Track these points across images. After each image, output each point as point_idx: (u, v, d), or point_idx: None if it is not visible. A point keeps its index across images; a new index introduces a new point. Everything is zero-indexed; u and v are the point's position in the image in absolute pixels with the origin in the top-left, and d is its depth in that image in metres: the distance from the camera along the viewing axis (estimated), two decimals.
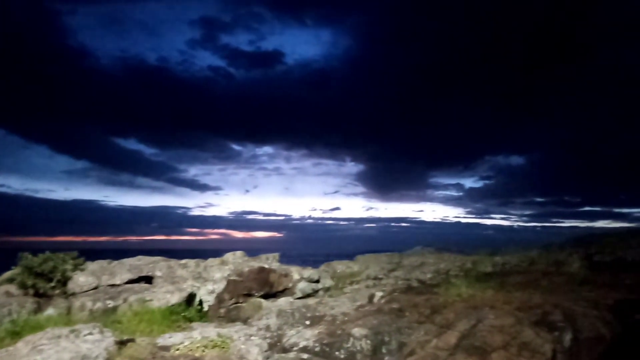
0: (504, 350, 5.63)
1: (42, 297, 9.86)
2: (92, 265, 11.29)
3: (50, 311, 9.11)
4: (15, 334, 6.61)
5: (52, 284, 10.08)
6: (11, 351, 5.15)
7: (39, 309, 9.20)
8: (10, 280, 10.28)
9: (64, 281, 10.33)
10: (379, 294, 9.45)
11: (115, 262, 11.82)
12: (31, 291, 9.91)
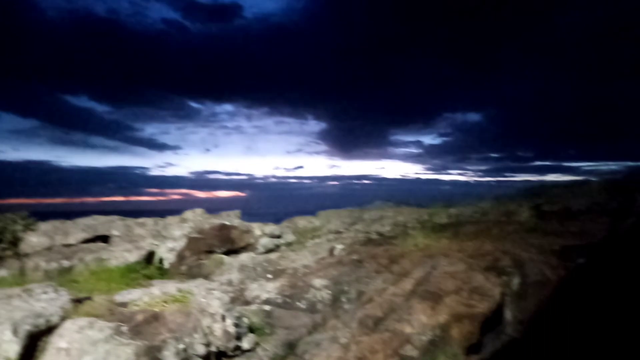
0: (456, 295, 5.92)
1: None
2: (45, 226, 10.89)
3: (2, 273, 8.80)
4: None
5: (3, 245, 9.69)
6: None
7: None
8: None
9: (15, 242, 9.95)
10: (339, 246, 9.66)
11: (69, 221, 11.44)
12: None
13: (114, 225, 11.15)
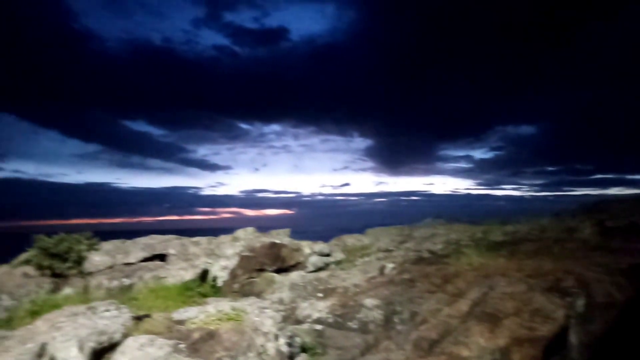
0: (515, 317, 5.66)
1: (59, 277, 10.07)
2: (107, 245, 11.47)
3: (67, 290, 9.32)
4: (35, 313, 6.77)
5: (68, 264, 10.27)
6: (31, 329, 5.27)
7: (56, 289, 9.42)
8: (27, 262, 10.50)
9: (80, 261, 10.52)
10: (389, 265, 9.51)
11: (129, 241, 11.99)
12: (48, 272, 10.12)
13: (171, 244, 11.57)
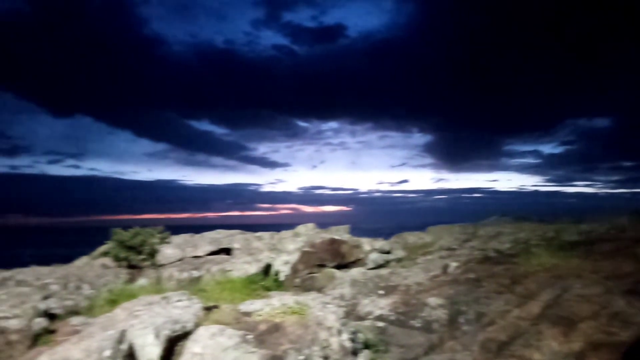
0: (592, 321, 5.33)
1: (134, 269, 10.76)
2: (177, 239, 12.10)
3: (142, 281, 9.93)
4: (113, 302, 7.28)
5: (143, 257, 10.95)
6: (111, 317, 5.67)
7: (132, 279, 10.06)
8: (105, 254, 11.32)
9: (153, 253, 11.18)
10: (453, 264, 9.26)
11: (197, 235, 12.58)
12: (124, 263, 10.84)
13: (235, 239, 11.99)
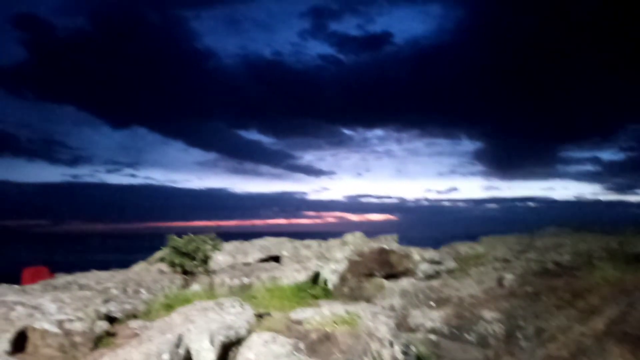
0: None
1: (188, 274, 11.09)
2: (228, 246, 12.39)
3: (195, 287, 10.22)
4: (169, 307, 7.53)
5: (196, 263, 11.27)
6: (167, 321, 5.87)
7: (186, 285, 10.38)
8: (161, 260, 11.75)
9: (206, 260, 11.48)
10: (509, 276, 8.90)
11: (247, 242, 12.83)
12: (179, 269, 11.20)
13: (284, 247, 12.14)
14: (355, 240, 12.94)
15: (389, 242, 12.80)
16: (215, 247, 11.96)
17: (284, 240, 12.75)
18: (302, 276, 10.06)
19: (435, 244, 14.49)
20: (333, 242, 12.96)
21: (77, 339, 5.70)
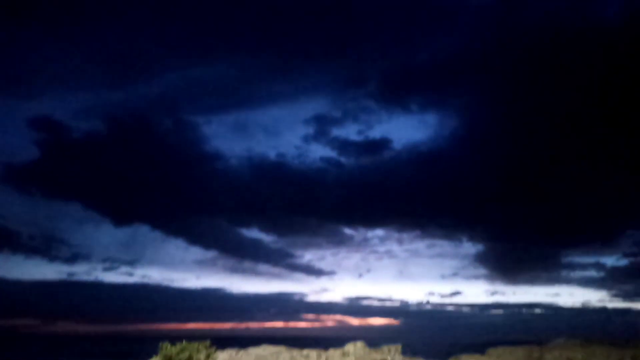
0: None
1: None
2: (222, 355, 11.82)
3: None
4: None
5: None
6: None
7: None
8: None
9: None
10: None
11: (242, 351, 12.24)
12: None
13: (282, 357, 11.55)
14: (356, 351, 12.35)
15: (392, 354, 12.24)
16: (209, 356, 11.43)
17: (281, 349, 12.14)
18: None
19: (441, 354, 13.87)
20: (333, 353, 12.35)
21: None
